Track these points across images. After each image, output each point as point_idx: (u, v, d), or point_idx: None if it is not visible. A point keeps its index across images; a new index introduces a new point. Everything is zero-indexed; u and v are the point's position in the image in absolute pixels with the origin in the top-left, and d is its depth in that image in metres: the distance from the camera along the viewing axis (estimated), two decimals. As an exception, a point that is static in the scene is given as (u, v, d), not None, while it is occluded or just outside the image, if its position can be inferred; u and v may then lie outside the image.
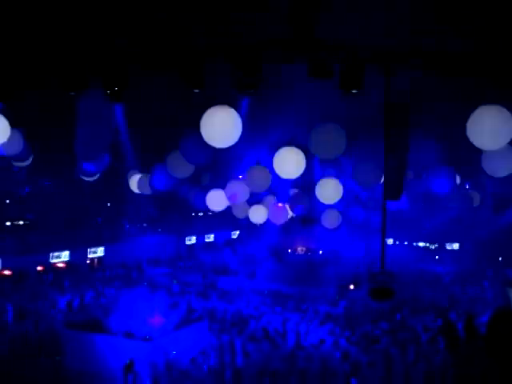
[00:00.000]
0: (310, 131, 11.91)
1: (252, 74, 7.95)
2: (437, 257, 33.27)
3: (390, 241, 29.82)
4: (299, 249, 35.42)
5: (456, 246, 33.32)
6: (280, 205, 18.91)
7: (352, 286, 24.27)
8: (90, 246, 28.73)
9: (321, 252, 33.72)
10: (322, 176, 16.60)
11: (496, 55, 7.73)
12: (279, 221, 20.26)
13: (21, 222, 27.14)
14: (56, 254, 26.99)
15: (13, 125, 11.54)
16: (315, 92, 10.27)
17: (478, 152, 11.70)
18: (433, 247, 34.55)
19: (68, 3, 7.30)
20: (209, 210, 31.78)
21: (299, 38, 6.75)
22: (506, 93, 8.83)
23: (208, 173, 18.45)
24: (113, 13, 7.33)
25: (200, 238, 35.38)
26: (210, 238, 36.20)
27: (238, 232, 36.37)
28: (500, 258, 29.41)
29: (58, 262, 27.21)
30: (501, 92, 9.00)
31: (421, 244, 34.88)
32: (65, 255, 27.53)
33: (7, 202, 26.60)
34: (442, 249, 34.01)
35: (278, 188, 18.25)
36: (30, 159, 16.61)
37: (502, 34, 7.49)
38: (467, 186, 17.04)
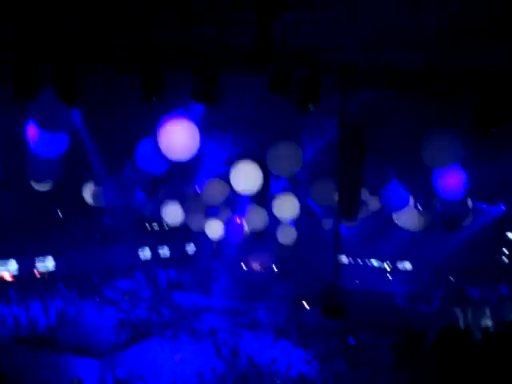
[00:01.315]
0: (266, 146, 11.96)
1: (209, 84, 7.91)
2: (390, 278, 33.79)
3: (343, 258, 30.13)
4: (254, 265, 35.29)
5: (408, 265, 33.94)
6: (238, 220, 18.84)
7: (305, 303, 24.31)
8: (39, 257, 27.72)
9: (275, 267, 33.69)
10: (279, 191, 16.67)
11: (452, 72, 7.94)
12: (236, 237, 20.18)
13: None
14: (1, 267, 25.92)
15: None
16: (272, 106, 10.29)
17: (430, 172, 12.00)
18: (385, 265, 35.09)
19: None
20: (163, 223, 31.39)
21: (259, 49, 6.71)
22: (459, 111, 9.08)
23: (164, 185, 18.18)
24: (69, 14, 7.13)
25: (154, 251, 34.82)
26: (165, 250, 35.70)
27: (192, 244, 36.01)
28: (451, 277, 30.14)
29: (3, 275, 26.12)
30: (456, 111, 9.25)
31: (375, 263, 35.37)
32: (12, 266, 26.44)
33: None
34: (395, 269, 34.58)
35: (236, 202, 18.19)
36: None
37: (458, 51, 7.68)
38: (419, 206, 17.40)
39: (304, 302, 24.46)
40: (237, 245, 25.76)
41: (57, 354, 14.27)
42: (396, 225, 17.41)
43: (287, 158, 12.03)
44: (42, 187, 15.26)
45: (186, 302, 24.31)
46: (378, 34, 7.26)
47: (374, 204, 16.81)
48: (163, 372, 14.64)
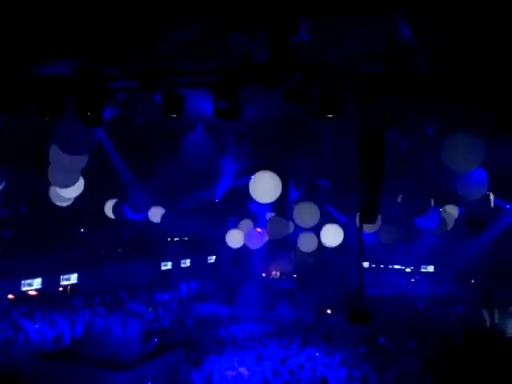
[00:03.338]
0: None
1: (230, 99, 8.01)
2: (412, 280, 33.55)
3: (365, 264, 29.96)
4: (273, 273, 35.25)
5: (431, 268, 33.63)
6: (259, 230, 18.92)
7: (329, 311, 24.22)
8: (63, 273, 28.08)
9: (295, 276, 33.60)
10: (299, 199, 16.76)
11: (471, 79, 7.95)
12: (255, 245, 20.26)
13: (-9, 249, 26.43)
14: (28, 281, 26.31)
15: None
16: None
17: (452, 175, 11.96)
18: (408, 270, 34.81)
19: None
20: (184, 235, 31.66)
21: (278, 63, 6.83)
22: (479, 116, 9.07)
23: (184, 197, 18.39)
24: (93, 38, 7.34)
25: (175, 264, 35.00)
26: (186, 263, 35.84)
27: (214, 257, 36.13)
28: (472, 280, 29.81)
29: (29, 290, 26.51)
30: (475, 115, 9.25)
31: (396, 267, 35.13)
32: (37, 282, 26.82)
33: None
34: (417, 271, 34.29)
35: (256, 212, 18.31)
36: (3, 184, 16.35)
37: (474, 57, 7.72)
38: (441, 209, 17.33)
39: (327, 309, 24.38)
40: (258, 253, 25.85)
41: (84, 367, 14.39)
42: (419, 230, 17.35)
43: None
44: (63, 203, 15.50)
45: (210, 312, 24.39)
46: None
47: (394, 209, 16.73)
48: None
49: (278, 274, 35.17)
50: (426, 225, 16.99)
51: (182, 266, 35.38)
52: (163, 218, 18.68)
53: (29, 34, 7.28)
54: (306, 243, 18.51)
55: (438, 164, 10.35)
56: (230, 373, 15.40)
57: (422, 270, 34.02)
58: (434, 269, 33.20)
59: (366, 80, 7.64)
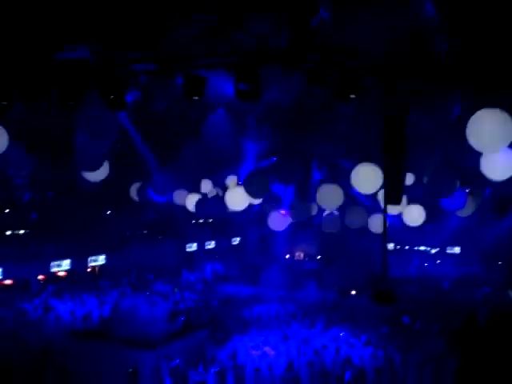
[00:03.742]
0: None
1: (251, 81, 7.99)
2: (438, 261, 33.24)
3: (390, 245, 29.76)
4: (297, 254, 35.29)
5: (457, 249, 33.24)
6: (283, 212, 18.94)
7: (353, 292, 24.24)
8: (91, 255, 28.68)
9: (320, 257, 33.60)
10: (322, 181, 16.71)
11: (491, 61, 7.77)
12: (280, 228, 20.31)
13: (21, 231, 27.11)
14: (57, 262, 26.96)
15: (13, 134, 11.56)
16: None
17: (477, 155, 11.74)
18: (433, 251, 34.47)
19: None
20: (209, 217, 31.89)
21: (298, 45, 6.78)
22: (505, 97, 8.87)
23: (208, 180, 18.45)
24: (114, 22, 7.38)
25: (200, 245, 35.37)
26: (211, 244, 36.18)
27: (238, 239, 36.34)
28: (500, 262, 29.39)
29: (58, 271, 27.18)
30: (500, 96, 9.04)
31: (422, 248, 34.83)
32: (66, 264, 27.48)
33: (7, 211, 26.60)
34: (442, 253, 33.93)
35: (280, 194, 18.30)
36: (30, 168, 16.70)
37: (496, 41, 7.53)
38: (467, 190, 17.07)
39: (351, 289, 24.40)
40: (282, 235, 25.92)
41: (112, 346, 14.73)
42: (445, 211, 17.14)
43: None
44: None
45: (234, 293, 24.65)
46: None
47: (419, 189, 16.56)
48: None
49: (302, 255, 35.21)
50: (452, 206, 16.78)
51: (207, 247, 35.75)
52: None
53: (50, 20, 7.36)
54: (330, 225, 18.48)
55: (465, 144, 10.16)
56: (254, 352, 15.59)
57: (448, 252, 33.65)
58: (461, 250, 32.80)
59: (387, 62, 7.54)
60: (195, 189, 17.69)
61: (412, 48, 7.73)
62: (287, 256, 33.77)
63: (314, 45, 6.78)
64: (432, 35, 7.57)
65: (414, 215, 17.38)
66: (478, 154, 11.49)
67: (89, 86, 8.45)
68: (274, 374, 13.88)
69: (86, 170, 13.90)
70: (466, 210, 17.25)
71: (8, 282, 24.58)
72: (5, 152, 13.60)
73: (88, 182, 14.70)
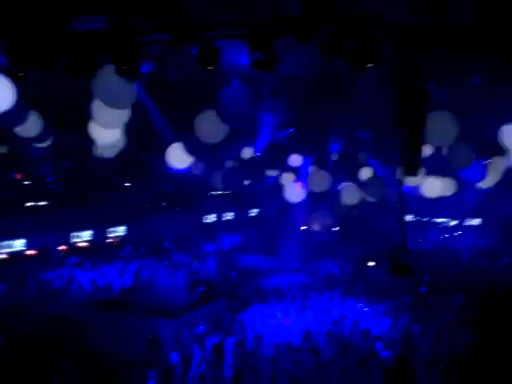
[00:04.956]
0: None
1: (266, 50, 7.88)
2: (456, 233, 32.97)
3: (409, 217, 29.53)
4: (314, 226, 35.16)
5: (477, 221, 32.89)
6: (299, 184, 18.90)
7: (371, 263, 24.23)
8: (111, 226, 29.08)
9: (337, 228, 33.50)
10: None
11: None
12: (296, 199, 20.32)
13: (42, 203, 27.51)
14: (77, 233, 27.42)
15: (32, 106, 11.60)
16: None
17: (496, 127, 11.52)
18: (453, 223, 34.17)
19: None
20: (227, 189, 31.99)
21: (312, 12, 6.62)
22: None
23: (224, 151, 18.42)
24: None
25: (218, 217, 35.59)
26: (229, 216, 36.38)
27: (256, 210, 36.43)
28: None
29: (79, 242, 27.64)
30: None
31: (440, 220, 34.55)
32: (86, 235, 27.93)
33: (27, 183, 26.97)
34: (462, 225, 33.62)
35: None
36: (50, 140, 16.83)
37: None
38: (487, 162, 16.80)
39: (369, 261, 24.38)
40: (299, 207, 25.89)
41: (133, 315, 14.97)
42: (464, 183, 16.94)
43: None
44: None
45: (252, 264, 24.82)
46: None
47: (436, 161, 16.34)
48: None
49: (319, 226, 35.13)
50: (472, 177, 16.55)
51: (225, 219, 35.95)
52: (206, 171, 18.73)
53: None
54: (349, 196, 18.42)
55: (483, 115, 9.95)
56: (272, 321, 15.77)
57: (467, 223, 33.32)
58: (480, 222, 32.46)
59: (404, 30, 7.34)
60: (212, 160, 17.70)
61: (429, 14, 7.50)
62: (303, 228, 33.75)
63: (329, 12, 6.60)
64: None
65: (433, 187, 17.24)
66: (498, 126, 11.26)
67: (104, 56, 8.44)
68: (291, 342, 14.02)
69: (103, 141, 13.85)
70: (486, 182, 17.00)
71: (31, 252, 25.09)
72: (25, 124, 13.74)
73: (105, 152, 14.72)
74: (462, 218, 33.37)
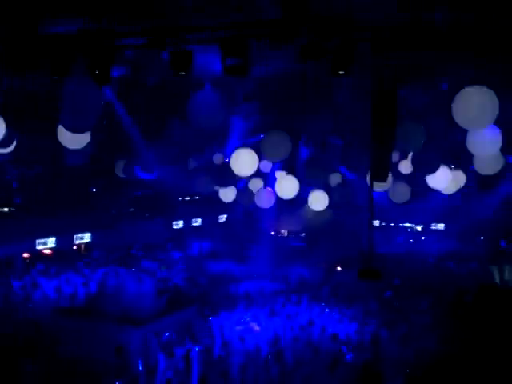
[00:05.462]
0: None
1: (239, 56, 7.86)
2: (423, 237, 33.63)
3: (376, 222, 29.95)
4: (282, 231, 35.38)
5: (441, 226, 33.64)
6: (269, 189, 18.95)
7: (339, 268, 24.47)
8: (77, 232, 28.50)
9: (304, 234, 33.74)
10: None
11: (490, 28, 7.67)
12: (266, 205, 20.35)
13: (5, 209, 26.82)
14: (42, 240, 26.77)
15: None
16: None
17: (462, 132, 11.80)
18: (419, 228, 34.85)
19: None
20: (195, 195, 31.79)
21: (290, 16, 6.63)
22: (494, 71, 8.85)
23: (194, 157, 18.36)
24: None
25: (187, 223, 35.33)
26: (198, 222, 36.16)
27: (225, 216, 36.32)
28: (482, 237, 29.83)
29: (44, 249, 27.00)
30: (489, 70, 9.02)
31: (407, 225, 35.19)
32: (51, 241, 27.29)
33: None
34: (427, 229, 34.31)
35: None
36: (13, 145, 16.41)
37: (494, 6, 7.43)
38: (452, 166, 17.20)
39: (337, 266, 24.62)
40: (268, 212, 25.94)
41: (99, 323, 14.73)
42: (430, 188, 17.26)
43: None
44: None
45: (221, 270, 24.74)
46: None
47: (405, 167, 16.67)
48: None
49: (287, 232, 35.33)
50: (437, 183, 16.88)
51: (194, 224, 35.73)
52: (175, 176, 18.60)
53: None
54: (316, 202, 18.55)
55: (449, 121, 10.19)
56: (241, 327, 15.75)
57: (432, 228, 34.02)
58: (445, 227, 33.19)
59: (379, 31, 7.42)
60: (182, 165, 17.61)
61: (405, 15, 7.59)
62: (272, 233, 33.86)
63: (306, 15, 6.62)
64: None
65: (399, 192, 17.52)
66: (464, 131, 11.54)
67: (75, 60, 8.30)
68: (259, 348, 14.03)
69: (70, 147, 13.61)
70: (450, 187, 17.39)
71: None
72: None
73: (73, 156, 14.43)
74: (427, 223, 34.07)
